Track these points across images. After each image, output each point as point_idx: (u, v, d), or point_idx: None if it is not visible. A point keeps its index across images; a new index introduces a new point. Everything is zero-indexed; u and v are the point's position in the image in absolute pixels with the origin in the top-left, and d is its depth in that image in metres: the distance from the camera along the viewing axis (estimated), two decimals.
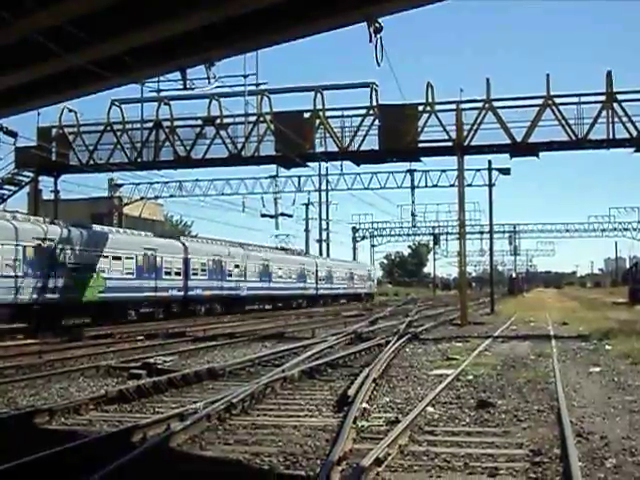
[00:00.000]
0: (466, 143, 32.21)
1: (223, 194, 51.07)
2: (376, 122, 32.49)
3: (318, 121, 32.79)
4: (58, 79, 15.80)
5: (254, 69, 31.51)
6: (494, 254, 55.05)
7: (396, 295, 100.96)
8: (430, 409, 11.03)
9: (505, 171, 43.12)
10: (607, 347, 20.87)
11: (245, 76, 31.36)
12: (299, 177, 52.33)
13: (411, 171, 50.13)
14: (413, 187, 51.90)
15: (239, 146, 33.80)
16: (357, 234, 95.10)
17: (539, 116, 31.16)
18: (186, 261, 41.82)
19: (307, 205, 78.99)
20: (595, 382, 14.29)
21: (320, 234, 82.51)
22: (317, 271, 64.27)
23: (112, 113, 35.31)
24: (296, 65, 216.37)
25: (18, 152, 35.59)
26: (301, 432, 9.66)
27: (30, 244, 29.90)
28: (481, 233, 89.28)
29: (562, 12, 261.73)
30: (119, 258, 35.81)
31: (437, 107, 32.44)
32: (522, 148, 32.03)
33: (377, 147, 32.44)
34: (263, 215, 55.53)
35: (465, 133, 32.10)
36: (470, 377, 14.74)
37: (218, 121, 33.83)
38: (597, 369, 16.12)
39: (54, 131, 36.37)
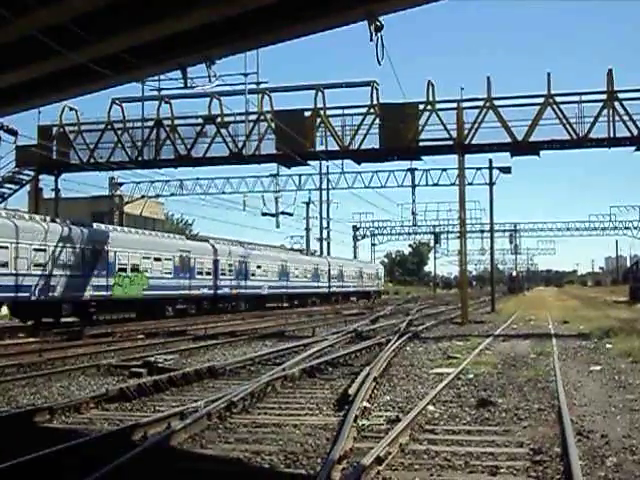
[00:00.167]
0: (467, 142, 32.20)
1: (224, 193, 51.21)
2: (377, 121, 32.47)
3: (319, 120, 32.78)
4: (58, 77, 15.78)
5: (255, 68, 31.63)
6: (495, 253, 55.09)
7: (397, 294, 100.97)
8: (431, 408, 11.03)
9: (506, 170, 43.11)
10: (608, 346, 20.87)
11: (246, 75, 31.44)
12: (300, 176, 52.51)
13: (412, 170, 50.24)
14: (414, 186, 52.01)
15: (240, 145, 33.79)
16: (358, 233, 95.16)
17: (540, 115, 31.15)
18: (215, 262, 44.96)
19: (308, 204, 79.07)
20: (596, 381, 14.29)
21: (321, 233, 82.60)
22: (329, 270, 67.01)
23: (113, 112, 35.39)
24: (297, 64, 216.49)
25: (19, 151, 35.63)
26: (302, 431, 9.66)
27: (87, 247, 33.42)
28: (482, 232, 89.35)
29: (563, 11, 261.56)
30: (159, 259, 38.94)
31: (438, 106, 32.42)
32: (523, 147, 32.02)
33: (378, 146, 32.43)
34: (264, 214, 55.64)
35: (466, 132, 32.08)
36: (471, 376, 14.74)
37: (219, 120, 33.82)
38: (598, 368, 16.12)
39: (55, 130, 36.37)
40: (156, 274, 38.45)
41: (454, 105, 32.57)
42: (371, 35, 13.03)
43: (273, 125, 33.18)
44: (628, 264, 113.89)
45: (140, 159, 35.55)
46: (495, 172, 44.28)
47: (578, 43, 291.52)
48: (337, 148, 33.04)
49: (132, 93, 34.26)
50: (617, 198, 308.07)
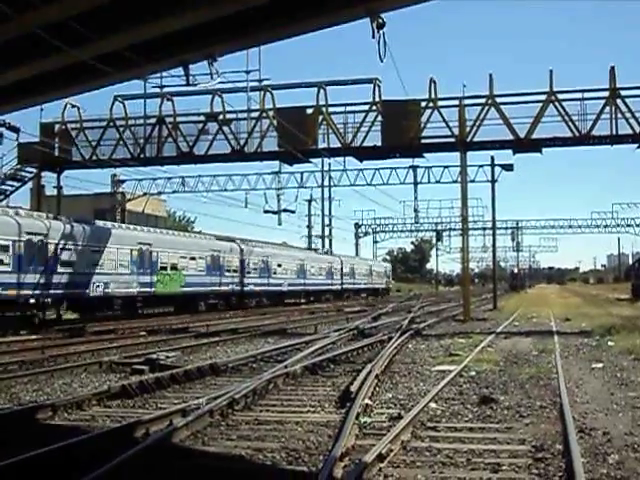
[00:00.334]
0: (469, 139, 32.16)
1: (226, 190, 50.98)
2: (379, 118, 32.45)
3: (321, 117, 32.75)
4: (61, 75, 15.78)
5: (257, 65, 31.56)
6: (497, 250, 54.99)
7: (399, 291, 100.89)
8: (433, 405, 11.04)
9: (508, 167, 43.03)
10: (610, 343, 20.86)
11: (248, 72, 31.39)
12: (302, 173, 52.32)
13: (414, 167, 50.12)
14: (416, 183, 51.89)
15: (242, 142, 33.78)
16: (359, 230, 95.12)
17: (542, 112, 31.10)
18: (242, 261, 48.49)
19: (310, 201, 79.03)
20: (598, 378, 14.29)
21: (323, 230, 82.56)
22: (342, 268, 70.10)
23: (115, 109, 35.34)
24: (299, 61, 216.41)
25: (21, 148, 35.61)
26: (304, 428, 9.67)
27: (135, 248, 36.75)
28: (484, 229, 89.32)
29: (564, 10, 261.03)
30: (194, 258, 42.51)
31: (440, 103, 32.38)
32: (525, 144, 31.97)
33: (380, 143, 32.40)
34: (266, 211, 55.50)
35: (468, 129, 32.05)
36: (473, 373, 14.75)
37: (221, 117, 33.81)
38: (600, 365, 16.12)
39: (57, 127, 36.37)
40: (191, 272, 41.85)
41: (456, 102, 32.52)
42: (373, 32, 13.01)
43: (275, 122, 33.16)
44: (630, 261, 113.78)
45: (142, 156, 35.54)
46: (497, 169, 44.22)
47: (580, 40, 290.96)
48: (339, 145, 33.02)
49: (134, 90, 34.28)
50: (619, 195, 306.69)
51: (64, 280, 31.22)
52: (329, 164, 52.41)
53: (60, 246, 31.36)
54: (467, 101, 32.54)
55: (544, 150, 32.97)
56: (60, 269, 31.11)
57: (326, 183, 64.32)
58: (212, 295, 44.73)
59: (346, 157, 36.95)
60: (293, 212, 59.50)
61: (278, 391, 12.81)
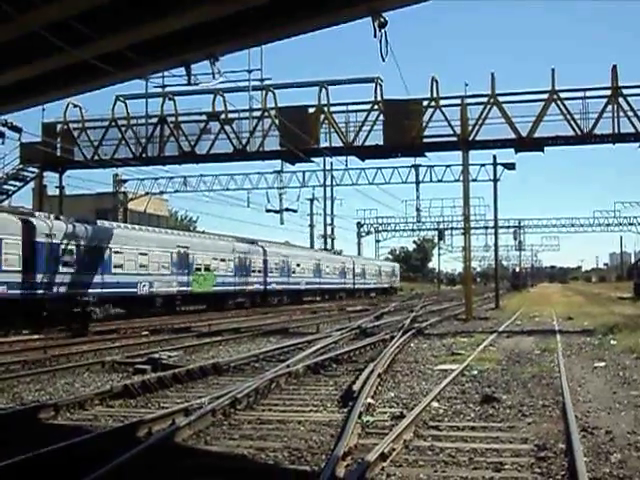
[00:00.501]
0: (471, 138, 32.13)
1: (228, 189, 50.96)
2: (381, 117, 32.43)
3: (323, 116, 32.74)
4: (62, 74, 15.78)
5: (259, 64, 31.47)
6: (499, 249, 54.97)
7: (401, 290, 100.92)
8: (435, 404, 11.04)
9: (510, 166, 43.02)
10: (612, 342, 20.85)
11: (250, 71, 31.31)
12: (304, 172, 52.24)
13: (416, 166, 50.10)
14: (418, 182, 51.89)
15: (244, 141, 33.77)
16: (362, 229, 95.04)
17: (544, 111, 31.07)
18: (265, 262, 51.56)
19: (312, 200, 79.03)
20: (600, 377, 14.28)
21: (325, 229, 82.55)
22: (354, 268, 73.14)
23: (117, 108, 35.32)
24: (301, 60, 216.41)
25: (23, 148, 35.59)
26: (306, 427, 9.67)
27: (175, 251, 40.14)
28: (486, 228, 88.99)
29: (565, 9, 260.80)
30: (225, 260, 45.86)
31: (442, 102, 32.36)
32: (527, 143, 31.94)
33: (382, 142, 32.38)
34: (268, 210, 55.52)
35: (470, 128, 32.03)
36: (475, 372, 14.75)
37: (223, 116, 33.79)
38: (602, 364, 16.10)
39: (59, 127, 36.39)
40: (222, 273, 45.26)
41: (458, 101, 32.50)
42: (375, 31, 13.00)
43: (277, 122, 33.16)
44: (632, 260, 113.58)
45: (144, 156, 35.54)
46: (499, 168, 44.22)
47: (582, 40, 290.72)
48: (341, 144, 33.00)
49: (136, 90, 34.21)
50: (621, 194, 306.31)
51: (118, 280, 34.85)
52: (331, 163, 52.38)
53: (114, 250, 34.98)
54: (469, 100, 32.53)
55: (546, 149, 32.94)
56: (114, 270, 34.80)
57: (328, 182, 64.34)
58: (240, 294, 47.88)
59: (348, 156, 36.97)
60: (295, 211, 59.61)
61: (280, 390, 12.82)
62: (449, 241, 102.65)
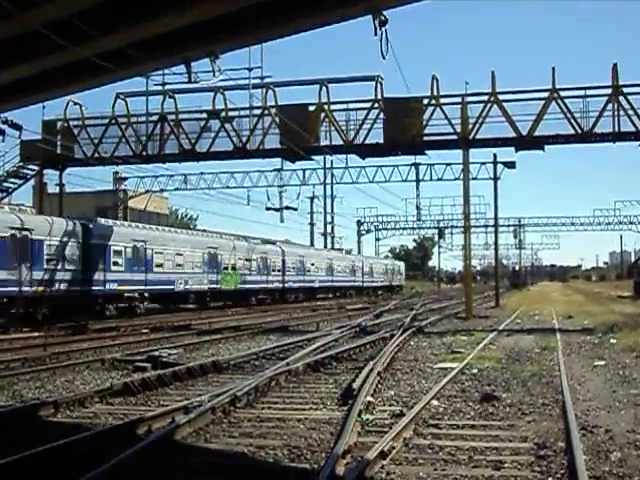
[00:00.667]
0: (471, 136, 32.13)
1: (228, 187, 50.97)
2: (381, 115, 32.42)
3: (323, 114, 32.74)
4: (63, 72, 15.78)
5: (259, 62, 31.50)
6: (499, 248, 54.97)
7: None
8: (435, 402, 11.04)
9: (510, 164, 43.00)
10: (612, 341, 20.85)
11: (250, 69, 31.34)
12: (304, 170, 52.15)
13: (416, 164, 49.98)
14: (418, 180, 51.74)
15: (244, 139, 33.79)
16: (362, 227, 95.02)
17: (545, 109, 31.07)
18: (283, 261, 55.14)
19: (312, 198, 78.94)
20: (600, 375, 14.29)
21: (325, 227, 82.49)
22: (363, 267, 76.28)
23: (117, 106, 35.31)
24: (301, 59, 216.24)
25: (23, 145, 35.59)
26: (306, 425, 9.68)
27: (205, 252, 43.74)
28: (486, 227, 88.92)
29: (566, 9, 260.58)
30: (249, 260, 49.54)
31: (442, 100, 32.37)
32: (527, 141, 31.95)
33: (382, 140, 32.38)
34: (268, 208, 55.46)
35: (470, 126, 32.02)
36: (475, 370, 14.74)
37: (223, 114, 33.77)
38: (602, 363, 16.11)
39: (59, 124, 36.38)
40: (246, 271, 48.88)
41: (458, 100, 32.52)
42: (375, 29, 12.99)
43: (277, 120, 33.16)
44: (633, 259, 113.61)
45: (144, 154, 35.54)
46: (499, 167, 44.20)
47: (582, 39, 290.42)
48: (341, 143, 33.01)
49: (136, 88, 34.33)
50: (622, 193, 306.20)
51: (159, 278, 38.37)
52: (331, 161, 52.35)
53: (156, 251, 38.43)
54: (469, 98, 32.56)
55: (546, 147, 32.95)
56: (155, 269, 38.26)
57: (328, 180, 64.16)
58: (261, 291, 51.63)
59: (348, 154, 37.05)
60: (295, 209, 59.49)
61: (280, 388, 12.82)
62: (449, 239, 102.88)
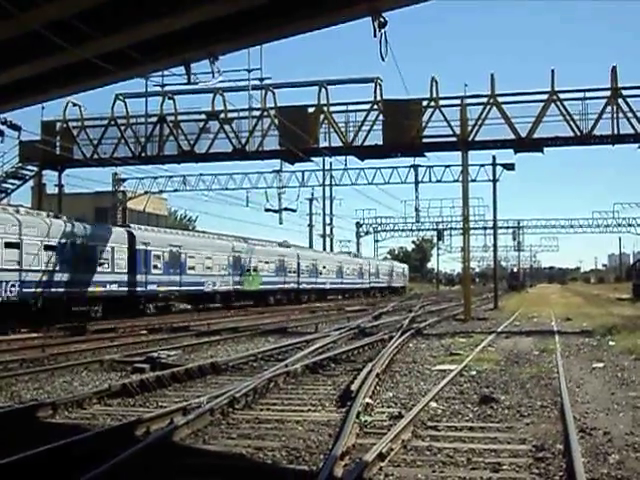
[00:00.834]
0: (470, 138, 32.16)
1: (227, 188, 50.73)
2: (380, 117, 32.45)
3: (322, 116, 32.76)
4: (62, 73, 15.76)
5: (258, 64, 31.47)
6: (498, 250, 54.96)
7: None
8: (433, 404, 11.04)
9: (509, 166, 43.03)
10: (611, 343, 20.87)
11: (249, 70, 31.30)
12: (303, 172, 51.97)
13: (415, 166, 49.82)
14: (417, 182, 51.58)
15: (243, 141, 33.79)
16: (361, 229, 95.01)
17: (544, 111, 31.10)
18: (298, 264, 59.21)
19: (311, 200, 78.96)
20: (599, 378, 14.29)
21: (324, 229, 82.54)
22: (369, 269, 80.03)
23: (116, 107, 35.33)
24: (300, 60, 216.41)
25: (22, 146, 35.60)
26: (304, 427, 9.68)
27: (230, 255, 47.56)
28: (485, 229, 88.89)
29: (566, 9, 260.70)
30: (268, 262, 53.52)
31: (441, 102, 32.39)
32: (526, 143, 31.97)
33: (381, 142, 32.42)
34: (267, 210, 55.22)
35: (469, 128, 32.06)
36: (473, 372, 14.75)
37: (222, 115, 33.80)
38: (601, 365, 16.11)
39: (58, 125, 36.39)
40: (266, 273, 52.82)
41: (458, 102, 32.54)
42: (375, 31, 12.98)
43: (276, 121, 33.18)
44: (631, 261, 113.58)
45: (143, 155, 35.55)
46: (498, 169, 44.20)
47: (581, 41, 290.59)
48: (340, 144, 33.03)
49: (136, 89, 34.26)
50: (621, 195, 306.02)
51: (191, 280, 42.20)
52: (330, 163, 52.20)
53: (189, 255, 42.42)
54: (469, 100, 32.58)
55: (545, 150, 32.98)
56: (188, 272, 42.03)
57: (327, 182, 64.11)
58: (279, 292, 55.46)
59: (347, 156, 37.02)
60: (294, 211, 59.36)
61: (279, 390, 12.82)
62: (448, 241, 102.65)
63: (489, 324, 30.44)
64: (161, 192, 53.28)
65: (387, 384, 13.47)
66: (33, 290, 29.94)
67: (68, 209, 40.26)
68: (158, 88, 33.04)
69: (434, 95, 32.23)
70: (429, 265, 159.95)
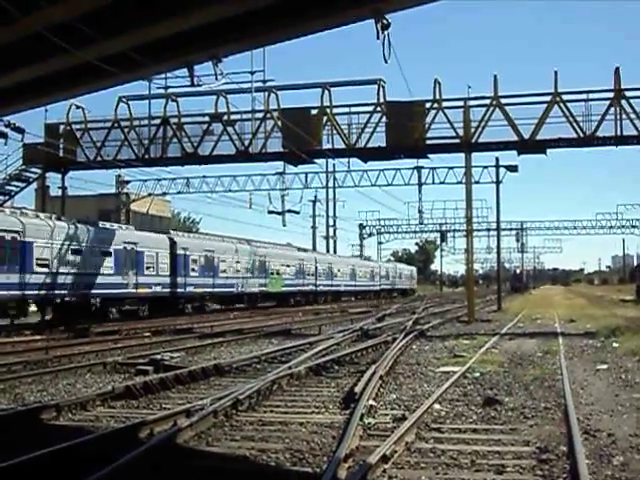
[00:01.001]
0: (474, 140, 32.16)
1: (230, 191, 50.80)
2: (383, 119, 32.44)
3: (325, 118, 32.77)
4: (65, 76, 15.77)
5: (261, 66, 31.48)
6: (501, 251, 54.98)
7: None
8: (437, 406, 11.03)
9: (512, 168, 43.01)
10: (614, 344, 20.83)
11: (252, 73, 31.33)
12: (306, 174, 52.09)
13: (418, 168, 49.89)
14: (420, 184, 51.63)
15: (246, 143, 33.80)
16: (364, 231, 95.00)
17: (547, 113, 31.09)
18: (316, 268, 62.91)
19: (314, 202, 79.05)
20: (602, 379, 14.27)
21: (327, 231, 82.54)
22: (380, 272, 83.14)
23: (119, 109, 35.39)
24: (303, 62, 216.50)
25: (26, 148, 35.68)
26: (308, 429, 9.67)
27: (256, 259, 51.06)
28: (488, 230, 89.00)
29: (569, 11, 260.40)
30: (289, 266, 57.33)
31: (445, 104, 32.38)
32: (529, 145, 31.96)
33: (384, 144, 32.41)
34: (270, 212, 55.29)
35: (473, 130, 32.05)
36: (477, 374, 14.73)
37: (225, 118, 33.83)
38: (604, 366, 16.09)
39: (61, 127, 36.43)
40: (287, 276, 56.60)
41: (461, 103, 32.54)
42: (378, 33, 12.98)
43: (280, 123, 33.19)
44: (635, 263, 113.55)
45: (147, 157, 35.59)
46: (502, 170, 44.20)
47: (586, 40, 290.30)
48: (344, 146, 33.03)
49: (139, 91, 34.22)
50: (624, 196, 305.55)
51: (223, 282, 45.84)
52: (333, 165, 52.25)
53: (221, 259, 45.98)
54: (472, 102, 32.57)
55: (549, 151, 32.97)
56: (221, 274, 45.69)
57: (330, 184, 64.33)
58: (298, 293, 58.81)
59: (350, 158, 37.00)
60: (297, 213, 59.41)
61: (282, 392, 12.81)
62: (451, 243, 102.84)
63: (493, 326, 30.40)
64: (164, 194, 53.39)
65: (391, 386, 13.46)
66: (95, 291, 33.95)
67: (72, 211, 40.30)
68: (161, 90, 33.08)
69: (437, 97, 32.23)
70: (432, 267, 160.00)
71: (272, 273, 53.62)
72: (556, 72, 31.29)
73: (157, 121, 35.10)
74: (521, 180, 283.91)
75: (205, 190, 50.11)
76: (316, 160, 36.90)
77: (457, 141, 32.35)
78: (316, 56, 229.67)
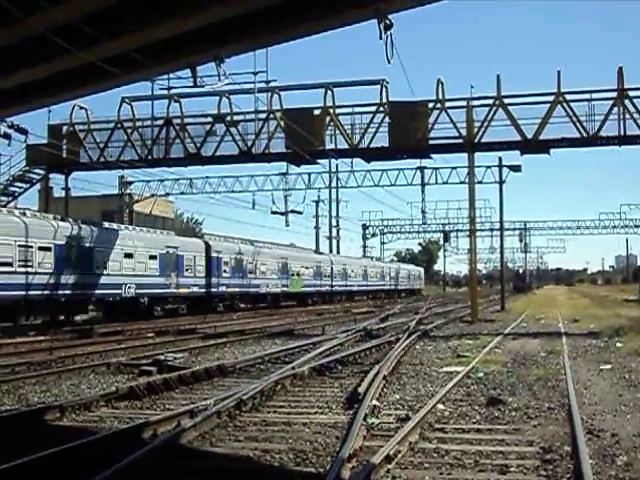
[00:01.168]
0: (476, 140, 32.11)
1: (233, 191, 50.76)
2: (386, 119, 32.42)
3: (328, 118, 32.75)
4: (68, 77, 15.80)
5: (264, 66, 31.52)
6: (505, 251, 54.93)
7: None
8: (440, 406, 11.02)
9: (516, 168, 42.96)
10: (618, 344, 20.82)
11: (255, 73, 31.36)
12: (309, 174, 51.98)
13: (421, 168, 49.81)
14: (423, 184, 51.54)
15: (249, 143, 33.79)
16: (367, 231, 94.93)
17: (550, 113, 31.03)
18: (332, 269, 66.15)
19: (317, 202, 78.91)
20: (606, 379, 14.26)
21: (330, 231, 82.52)
22: (390, 273, 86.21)
23: (123, 110, 35.38)
24: (306, 62, 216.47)
25: (29, 149, 35.73)
26: (311, 429, 9.67)
27: (280, 261, 54.44)
28: (491, 230, 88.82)
29: (571, 11, 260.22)
30: (307, 267, 60.50)
31: (448, 104, 32.35)
32: (533, 145, 31.91)
33: (387, 144, 32.39)
34: (273, 212, 55.21)
35: (476, 130, 32.01)
36: (480, 374, 14.72)
37: (228, 118, 33.82)
38: (608, 366, 16.07)
39: (65, 128, 36.43)
40: (306, 277, 59.70)
41: (464, 103, 32.49)
42: (380, 33, 12.98)
43: (282, 124, 33.17)
44: (638, 262, 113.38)
45: (150, 158, 35.59)
46: (505, 170, 44.17)
47: (589, 40, 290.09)
48: (347, 146, 33.01)
49: (142, 92, 34.29)
50: (628, 196, 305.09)
51: (250, 282, 49.07)
52: (336, 165, 52.12)
53: (248, 261, 49.21)
54: (475, 102, 32.52)
55: (552, 151, 32.92)
56: (249, 276, 49.10)
57: (333, 184, 64.10)
58: (316, 293, 61.95)
59: (353, 158, 36.92)
60: (300, 213, 59.33)
61: (286, 392, 12.81)
62: (454, 243, 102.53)
63: (496, 326, 30.39)
64: (167, 195, 53.36)
65: (394, 386, 13.45)
66: (143, 291, 37.06)
67: (75, 212, 40.32)
68: (164, 91, 33.19)
69: (440, 97, 32.20)
70: (436, 267, 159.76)
71: (293, 274, 56.63)
72: (559, 72, 31.26)
73: (160, 122, 35.10)
74: (524, 180, 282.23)
75: (208, 191, 50.11)
76: (319, 160, 36.90)
77: (460, 141, 32.31)
78: (319, 56, 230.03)
